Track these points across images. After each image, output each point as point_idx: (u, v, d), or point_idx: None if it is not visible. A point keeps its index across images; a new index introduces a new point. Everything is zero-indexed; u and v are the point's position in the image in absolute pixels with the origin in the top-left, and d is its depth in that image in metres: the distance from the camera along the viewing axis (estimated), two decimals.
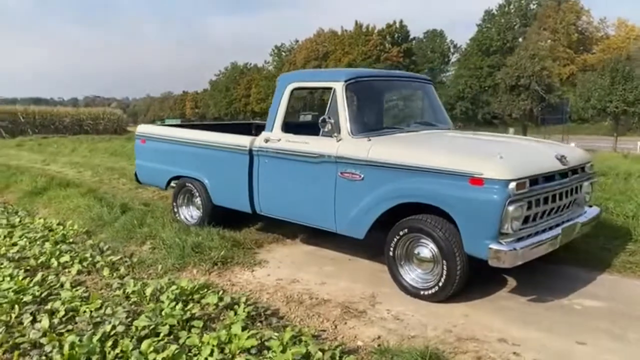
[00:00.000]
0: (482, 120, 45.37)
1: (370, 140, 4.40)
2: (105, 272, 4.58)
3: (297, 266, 4.89)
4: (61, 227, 6.04)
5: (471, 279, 4.15)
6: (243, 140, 5.18)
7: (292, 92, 4.99)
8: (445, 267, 3.91)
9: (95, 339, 3.24)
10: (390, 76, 5.41)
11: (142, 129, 6.45)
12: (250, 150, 5.10)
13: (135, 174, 6.64)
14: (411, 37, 51.97)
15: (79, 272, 4.61)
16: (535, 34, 34.10)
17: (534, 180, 3.83)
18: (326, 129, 4.50)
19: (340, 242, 5.19)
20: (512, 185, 3.60)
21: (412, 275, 4.16)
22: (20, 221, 6.43)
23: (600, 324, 3.68)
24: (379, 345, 3.34)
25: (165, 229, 5.57)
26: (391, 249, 4.20)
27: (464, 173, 3.73)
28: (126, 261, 4.88)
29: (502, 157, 3.75)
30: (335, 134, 4.49)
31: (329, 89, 4.66)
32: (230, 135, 5.42)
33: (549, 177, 4.00)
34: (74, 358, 3.04)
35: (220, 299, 3.87)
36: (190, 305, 3.76)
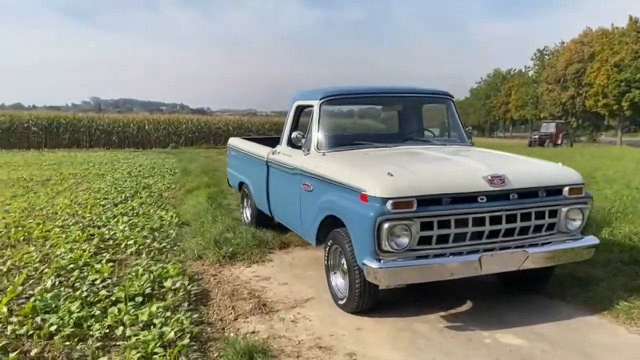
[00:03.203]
0: None
1: (324, 155, 4.68)
2: (144, 254, 5.78)
3: (287, 268, 5.37)
4: (170, 219, 7.54)
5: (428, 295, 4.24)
6: (264, 152, 5.85)
7: (296, 109, 5.47)
8: (348, 279, 4.04)
9: (62, 298, 4.40)
10: (380, 92, 5.36)
11: (230, 141, 7.60)
12: (267, 161, 5.75)
13: (227, 179, 7.86)
14: None
15: (131, 253, 5.90)
16: None
17: (433, 200, 3.69)
18: (298, 144, 4.92)
19: None
20: (389, 203, 3.58)
21: (337, 283, 4.34)
22: (152, 212, 8.20)
23: None
24: (243, 338, 3.72)
25: (219, 225, 6.57)
26: (325, 257, 4.44)
27: (357, 189, 3.83)
28: (167, 248, 6.02)
29: (392, 175, 3.72)
30: (305, 149, 4.88)
31: (312, 106, 5.05)
32: (260, 146, 6.14)
33: (464, 198, 3.76)
34: (35, 309, 4.20)
35: (174, 283, 4.69)
36: (150, 284, 4.66)
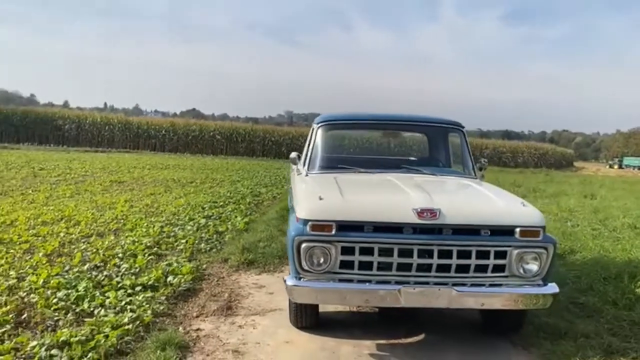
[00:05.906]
0: None
1: (307, 176, 4.93)
2: (184, 253, 6.52)
3: None
4: (239, 225, 8.28)
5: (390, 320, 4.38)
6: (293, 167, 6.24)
7: (312, 131, 5.76)
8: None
9: (85, 279, 5.26)
10: (377, 120, 5.34)
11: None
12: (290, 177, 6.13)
13: None
14: None
15: (179, 251, 6.67)
16: None
17: (355, 226, 3.76)
18: (294, 164, 5.24)
19: None
20: (308, 225, 3.76)
21: None
22: (232, 217, 9.03)
23: None
24: (190, 337, 4.15)
25: (262, 234, 7.10)
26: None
27: (295, 210, 4.07)
28: (208, 249, 6.71)
29: (322, 199, 3.88)
30: (300, 169, 5.18)
31: (314, 129, 5.33)
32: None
33: (389, 227, 3.77)
34: (57, 285, 5.10)
35: (174, 278, 5.30)
36: (158, 277, 5.32)
